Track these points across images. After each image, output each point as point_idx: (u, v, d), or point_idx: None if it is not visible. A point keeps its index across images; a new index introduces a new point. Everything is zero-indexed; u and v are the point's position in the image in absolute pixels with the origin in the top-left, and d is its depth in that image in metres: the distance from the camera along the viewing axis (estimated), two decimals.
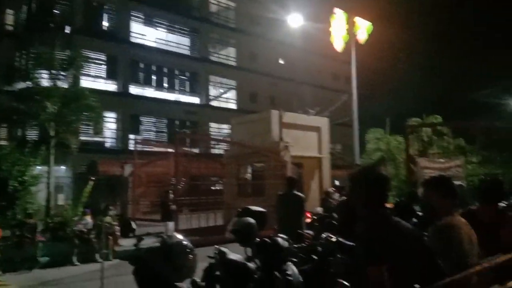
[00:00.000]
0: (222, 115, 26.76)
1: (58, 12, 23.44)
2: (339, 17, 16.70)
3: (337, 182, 17.11)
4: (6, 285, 7.82)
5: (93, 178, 11.90)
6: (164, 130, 26.94)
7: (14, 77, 17.31)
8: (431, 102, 24.14)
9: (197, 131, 26.33)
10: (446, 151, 16.88)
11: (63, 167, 22.44)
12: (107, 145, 25.56)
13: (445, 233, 2.65)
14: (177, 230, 10.83)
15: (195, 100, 28.98)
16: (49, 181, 12.42)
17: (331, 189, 12.22)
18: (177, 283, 2.82)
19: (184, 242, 3.64)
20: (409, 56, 33.92)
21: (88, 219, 10.55)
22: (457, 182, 3.68)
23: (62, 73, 12.08)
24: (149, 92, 26.80)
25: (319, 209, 10.90)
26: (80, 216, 10.60)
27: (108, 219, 10.64)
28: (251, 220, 5.14)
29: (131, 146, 19.54)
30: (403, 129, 14.90)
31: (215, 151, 22.95)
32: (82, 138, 24.14)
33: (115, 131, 25.51)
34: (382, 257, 2.00)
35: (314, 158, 15.69)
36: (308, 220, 10.95)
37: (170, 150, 14.36)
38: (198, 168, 14.24)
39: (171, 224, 11.32)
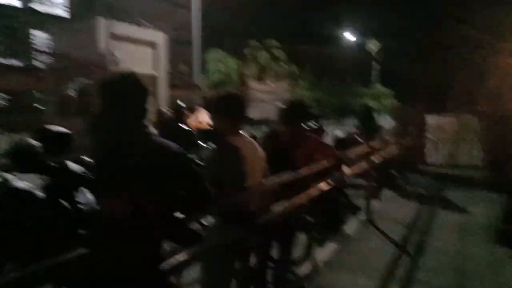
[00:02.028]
0: (50, 22, 23.04)
1: None
2: None
3: (179, 102, 16.62)
4: None
5: None
6: None
7: None
8: (270, 25, 24.63)
9: (16, 40, 22.27)
10: (280, 76, 17.59)
11: None
12: None
13: (223, 155, 2.42)
14: None
15: (15, 2, 24.23)
16: None
17: (164, 109, 11.69)
18: None
19: None
20: None
21: None
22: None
23: None
24: None
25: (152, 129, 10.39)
26: None
27: None
28: (31, 141, 4.34)
29: None
30: (241, 52, 14.91)
31: (37, 64, 19.85)
32: None
33: None
34: (119, 184, 1.60)
35: (148, 76, 14.67)
36: None
37: None
38: (12, 82, 11.96)
39: None
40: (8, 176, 3.84)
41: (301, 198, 3.30)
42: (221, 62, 18.26)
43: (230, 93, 2.67)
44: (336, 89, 21.54)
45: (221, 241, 2.41)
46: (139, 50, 14.19)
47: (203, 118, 6.89)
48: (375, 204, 6.09)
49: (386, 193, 7.07)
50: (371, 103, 16.21)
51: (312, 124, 7.01)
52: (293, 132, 3.38)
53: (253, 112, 11.78)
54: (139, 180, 1.65)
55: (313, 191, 3.57)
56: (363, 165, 5.21)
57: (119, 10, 26.37)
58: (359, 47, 30.67)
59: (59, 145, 4.29)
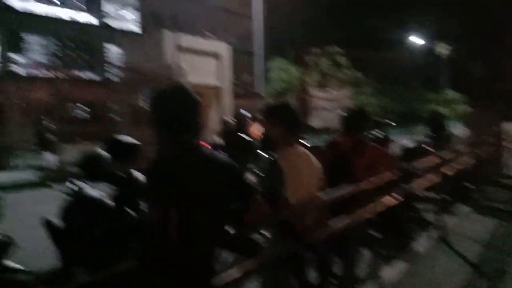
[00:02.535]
0: (123, 37, 24.58)
1: None
2: None
3: (243, 111, 16.88)
4: None
5: None
6: (56, 52, 24.17)
7: None
8: (333, 33, 24.32)
9: (93, 54, 23.96)
10: (343, 83, 17.27)
11: None
12: None
13: (274, 166, 2.37)
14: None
15: (92, 19, 26.10)
16: None
17: (229, 118, 11.89)
18: None
19: None
20: None
21: None
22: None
23: None
24: (36, 6, 23.45)
25: (217, 139, 10.61)
26: None
27: None
28: (100, 151, 4.58)
29: (14, 68, 17.16)
30: (304, 60, 14.82)
31: (109, 76, 21.19)
32: None
33: None
34: (169, 198, 1.59)
35: (213, 87, 15.11)
36: None
37: (51, 74, 12.74)
38: (87, 94, 12.87)
39: (50, 156, 10.28)
40: (82, 184, 4.08)
41: (364, 212, 3.15)
42: (284, 71, 18.29)
43: (283, 102, 2.63)
44: (403, 95, 20.71)
45: (275, 255, 2.35)
46: (204, 61, 14.70)
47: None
48: (448, 219, 5.68)
49: (460, 207, 6.57)
50: (441, 110, 15.33)
51: (376, 133, 6.75)
52: (353, 141, 3.27)
53: (315, 121, 11.64)
54: (189, 192, 1.64)
55: (378, 204, 3.40)
56: (434, 177, 4.88)
57: (185, 23, 27.56)
58: (427, 51, 29.23)
59: (127, 155, 4.49)
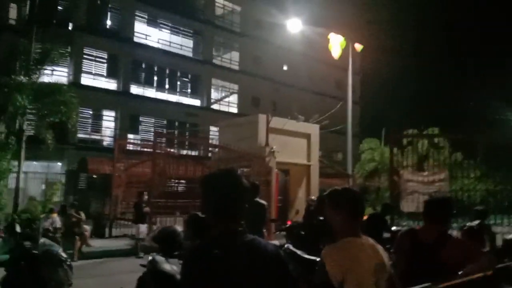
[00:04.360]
0: (223, 118, 26.52)
1: (61, 8, 23.48)
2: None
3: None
4: None
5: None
6: (162, 131, 26.80)
7: None
8: (431, 114, 23.48)
9: (197, 134, 26.04)
10: (442, 165, 16.21)
11: (59, 164, 22.52)
12: (105, 143, 25.58)
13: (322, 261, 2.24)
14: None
15: (196, 102, 28.79)
16: (19, 175, 12.14)
17: (313, 197, 11.75)
18: None
19: (55, 252, 3.27)
20: (411, 66, 33.17)
21: (55, 217, 10.26)
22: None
23: (37, 66, 11.88)
24: (150, 92, 26.74)
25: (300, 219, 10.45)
26: (47, 214, 10.31)
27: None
28: (176, 228, 4.79)
29: (130, 146, 19.29)
30: (399, 141, 14.38)
31: (204, 154, 22.64)
32: (80, 135, 24.46)
33: (113, 130, 25.52)
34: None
35: (302, 165, 15.24)
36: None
37: (149, 150, 14.01)
38: (181, 171, 13.81)
39: (143, 227, 10.97)
40: (160, 258, 4.25)
41: None
42: (375, 151, 17.87)
43: (345, 188, 2.53)
44: None
45: None
46: (295, 142, 15.07)
47: None
48: None
49: None
50: None
51: (471, 223, 6.09)
52: (438, 232, 2.98)
53: (408, 205, 10.92)
54: (222, 282, 1.60)
55: None
56: None
57: (279, 105, 28.93)
58: None
59: (202, 229, 4.63)
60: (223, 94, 30.53)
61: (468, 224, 6.12)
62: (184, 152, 20.08)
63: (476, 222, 6.11)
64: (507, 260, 4.42)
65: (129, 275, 5.35)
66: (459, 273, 2.98)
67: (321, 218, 6.35)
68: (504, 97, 24.15)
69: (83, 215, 10.76)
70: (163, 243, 4.39)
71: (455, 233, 5.80)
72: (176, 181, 14.27)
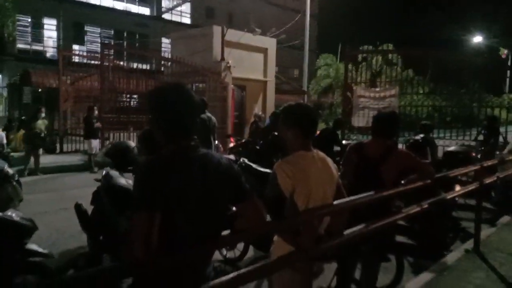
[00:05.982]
0: (176, 30, 25.20)
1: None
2: None
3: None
4: None
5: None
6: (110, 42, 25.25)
7: None
8: (386, 30, 23.46)
9: (148, 46, 24.75)
10: (394, 81, 16.65)
11: None
12: (49, 55, 23.92)
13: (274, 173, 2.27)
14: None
15: (146, 11, 27.03)
16: None
17: (260, 113, 11.87)
18: None
19: (0, 168, 3.13)
20: None
21: (0, 132, 9.76)
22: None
23: None
24: None
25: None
26: None
27: (40, 124, 9.80)
28: (129, 143, 4.71)
29: (76, 58, 18.04)
30: (354, 57, 14.38)
31: (156, 68, 21.77)
32: (20, 46, 22.60)
33: (56, 40, 23.75)
34: (155, 203, 1.53)
35: (259, 81, 15.12)
36: (231, 145, 10.73)
37: (96, 62, 13.25)
38: (132, 85, 13.26)
39: (95, 142, 10.74)
40: (114, 173, 4.21)
41: (389, 219, 3.00)
42: (331, 67, 17.93)
43: (299, 104, 2.51)
44: (459, 97, 19.52)
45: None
46: (251, 56, 14.74)
47: None
48: (488, 231, 5.32)
49: (505, 219, 6.11)
50: (503, 115, 14.40)
51: (416, 136, 6.43)
52: (381, 146, 3.09)
53: (358, 120, 11.32)
54: (179, 193, 1.58)
55: (410, 211, 3.23)
56: (476, 185, 4.56)
57: (235, 17, 27.77)
58: (491, 52, 27.52)
59: (155, 145, 4.58)
60: (175, 3, 28.70)
61: (414, 137, 6.49)
62: (135, 65, 19.12)
63: (421, 135, 6.48)
64: (445, 170, 4.78)
65: (83, 189, 5.33)
66: (402, 182, 3.20)
67: (276, 133, 6.50)
68: (460, 19, 24.43)
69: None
70: (116, 158, 4.33)
71: (400, 146, 6.16)
72: (128, 96, 13.74)
